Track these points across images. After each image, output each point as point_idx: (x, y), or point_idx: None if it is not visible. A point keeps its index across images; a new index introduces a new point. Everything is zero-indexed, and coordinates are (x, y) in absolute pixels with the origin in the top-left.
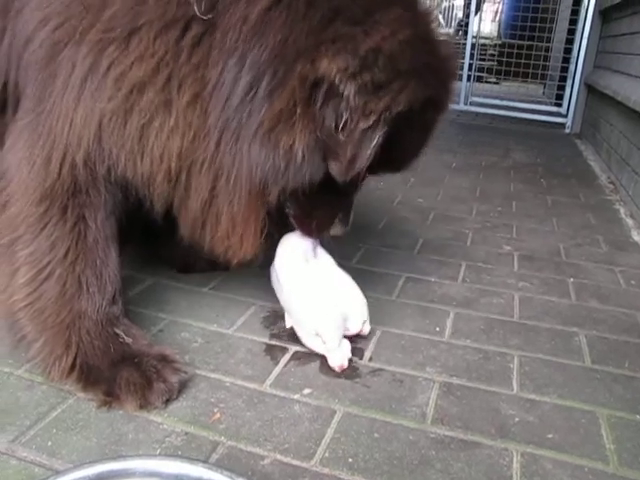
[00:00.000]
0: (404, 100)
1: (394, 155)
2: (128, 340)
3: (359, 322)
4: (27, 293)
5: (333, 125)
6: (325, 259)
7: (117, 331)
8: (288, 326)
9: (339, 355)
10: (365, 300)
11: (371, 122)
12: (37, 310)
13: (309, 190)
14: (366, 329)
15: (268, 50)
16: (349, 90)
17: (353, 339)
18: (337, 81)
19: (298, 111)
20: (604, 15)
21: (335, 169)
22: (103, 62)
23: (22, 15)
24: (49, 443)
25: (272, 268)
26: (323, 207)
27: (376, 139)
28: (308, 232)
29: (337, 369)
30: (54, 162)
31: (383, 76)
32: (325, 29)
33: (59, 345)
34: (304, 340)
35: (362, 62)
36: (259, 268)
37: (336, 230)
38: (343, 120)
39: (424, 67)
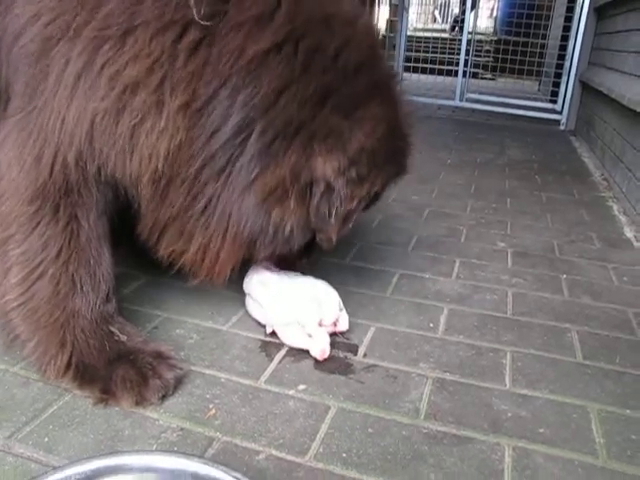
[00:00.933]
0: (380, 183)
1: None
2: (123, 338)
3: (333, 311)
4: (20, 293)
5: (327, 213)
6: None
7: (112, 329)
8: (269, 332)
9: (320, 342)
10: (335, 294)
11: (354, 205)
12: (30, 310)
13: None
14: (343, 323)
15: (261, 96)
16: (340, 184)
17: (347, 336)
18: (332, 180)
19: (292, 200)
20: (599, 12)
21: (324, 241)
22: (98, 60)
23: (12, 10)
24: (45, 439)
25: (247, 297)
26: (291, 251)
27: (357, 215)
28: (277, 265)
29: (319, 357)
30: (45, 161)
31: (365, 169)
32: (316, 109)
33: (53, 344)
34: (288, 339)
35: (351, 161)
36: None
37: (301, 264)
38: (334, 208)
39: (394, 154)
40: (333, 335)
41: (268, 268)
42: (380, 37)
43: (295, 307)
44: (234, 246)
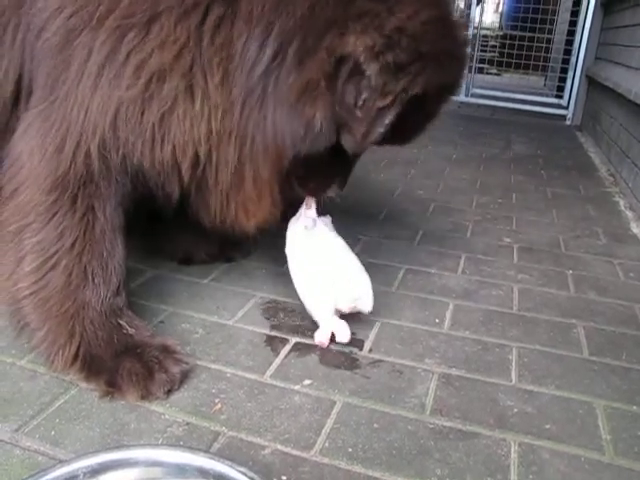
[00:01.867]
0: (421, 83)
1: (401, 132)
2: (131, 331)
3: (346, 303)
4: (32, 281)
5: (352, 102)
6: (326, 233)
7: (120, 322)
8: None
9: (322, 331)
10: (366, 277)
11: (388, 102)
12: (41, 299)
13: (318, 155)
14: (365, 306)
15: (296, 18)
16: (372, 69)
17: (352, 331)
18: (362, 59)
19: (322, 84)
20: (605, 7)
21: (348, 142)
22: (122, 49)
23: (35, 4)
24: (52, 433)
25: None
26: (324, 170)
27: (390, 118)
28: (308, 192)
29: (317, 343)
30: (67, 150)
31: (404, 57)
32: (352, 2)
33: (62, 334)
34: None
35: (387, 41)
36: (261, 261)
37: (332, 191)
38: (362, 98)
39: (442, 51)
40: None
41: (311, 222)
42: None
43: (313, 289)
44: (273, 164)
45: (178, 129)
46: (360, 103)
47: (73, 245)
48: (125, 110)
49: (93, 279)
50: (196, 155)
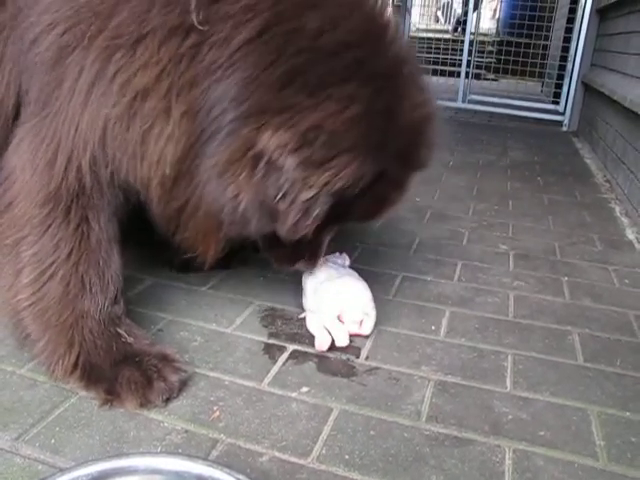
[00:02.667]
0: (347, 176)
1: (351, 215)
2: (130, 340)
3: (354, 311)
4: (31, 293)
5: (274, 195)
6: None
7: (119, 331)
8: (301, 316)
9: (322, 336)
10: (369, 298)
11: (311, 195)
12: (40, 310)
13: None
14: (366, 327)
15: (237, 87)
16: (288, 165)
17: (352, 338)
18: (276, 156)
19: (243, 173)
20: (601, 14)
21: (280, 230)
22: (110, 68)
23: (28, 18)
24: (52, 441)
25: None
26: (286, 245)
27: (318, 210)
28: (275, 261)
29: (317, 347)
30: (58, 165)
31: (322, 153)
32: (280, 90)
33: (62, 344)
34: (308, 324)
35: (302, 139)
36: (259, 268)
37: (300, 266)
38: (282, 192)
39: (375, 143)
40: (355, 336)
41: (330, 263)
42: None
43: (320, 297)
44: (210, 225)
45: (154, 148)
46: (281, 197)
47: (69, 255)
48: (112, 127)
49: (91, 288)
50: (164, 175)
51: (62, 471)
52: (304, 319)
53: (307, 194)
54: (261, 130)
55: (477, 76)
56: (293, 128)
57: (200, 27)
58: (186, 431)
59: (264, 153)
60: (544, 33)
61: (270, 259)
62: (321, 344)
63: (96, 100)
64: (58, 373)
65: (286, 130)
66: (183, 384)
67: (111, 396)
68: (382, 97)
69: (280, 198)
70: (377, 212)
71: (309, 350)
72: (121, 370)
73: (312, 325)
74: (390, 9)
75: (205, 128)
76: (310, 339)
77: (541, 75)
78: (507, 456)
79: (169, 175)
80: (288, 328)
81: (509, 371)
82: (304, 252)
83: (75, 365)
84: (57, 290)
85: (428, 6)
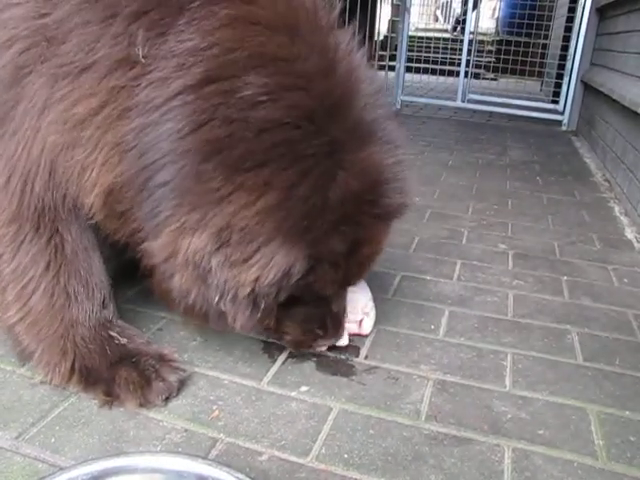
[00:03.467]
0: (277, 268)
1: (324, 286)
2: (123, 341)
3: (353, 316)
4: (18, 308)
5: (214, 297)
6: None
7: (111, 333)
8: None
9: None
10: (369, 298)
11: (248, 291)
12: (30, 323)
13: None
14: (365, 327)
15: (168, 142)
16: (214, 265)
17: (351, 337)
18: (198, 259)
19: (182, 272)
20: (600, 13)
21: (235, 326)
22: (57, 95)
23: None
24: (52, 440)
25: None
26: (293, 320)
27: (263, 302)
28: (291, 346)
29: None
30: (12, 187)
31: (241, 250)
32: (201, 162)
33: (56, 353)
34: None
35: (217, 239)
36: None
37: (319, 345)
38: (220, 292)
39: (300, 228)
40: (355, 335)
41: None
42: (372, 88)
43: None
44: (168, 294)
45: (90, 176)
46: (219, 298)
47: (47, 268)
48: (59, 153)
49: (76, 297)
50: (101, 202)
51: (62, 470)
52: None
53: (244, 291)
54: (182, 233)
55: (476, 75)
56: (207, 230)
57: (143, 61)
58: (186, 430)
59: (189, 258)
60: (543, 32)
61: (286, 344)
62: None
63: (45, 126)
64: (56, 380)
65: (201, 233)
66: (182, 384)
67: (110, 397)
68: (307, 179)
69: (220, 299)
70: (358, 273)
71: None
72: (118, 371)
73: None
74: (366, 68)
75: (138, 172)
76: None
77: (540, 74)
78: (506, 455)
79: (105, 204)
80: None
81: (508, 370)
82: (321, 327)
83: (72, 370)
84: (42, 303)
85: (427, 5)
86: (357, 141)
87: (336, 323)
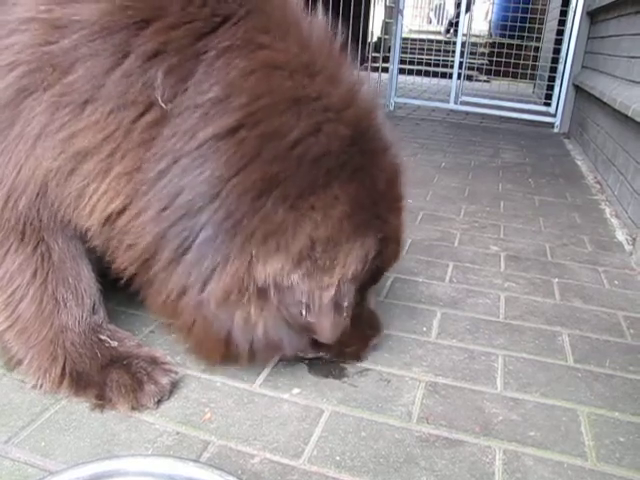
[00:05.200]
0: (356, 261)
1: (377, 276)
2: (114, 344)
3: None
4: (6, 316)
5: (299, 312)
6: None
7: (102, 337)
8: None
9: None
10: None
11: (333, 292)
12: (19, 331)
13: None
14: None
15: (206, 183)
16: (295, 280)
17: None
18: (279, 280)
19: (252, 305)
20: (592, 16)
21: (322, 338)
22: (55, 123)
23: None
24: (42, 444)
25: None
26: (349, 329)
27: (346, 300)
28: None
29: None
30: None
31: (325, 257)
32: (256, 199)
33: (45, 359)
34: None
35: (298, 256)
36: None
37: (375, 342)
38: (304, 305)
39: (368, 223)
40: None
41: None
42: (376, 120)
43: None
44: (210, 339)
45: (88, 201)
46: (307, 310)
47: (34, 275)
48: (52, 177)
49: (65, 303)
50: (101, 224)
51: (52, 474)
52: None
53: (328, 294)
54: (252, 264)
55: (469, 78)
56: (284, 252)
57: (164, 106)
58: (177, 433)
59: (267, 283)
60: (536, 35)
61: (349, 358)
62: None
63: (40, 152)
64: (47, 385)
65: (277, 255)
66: (174, 386)
67: (102, 401)
68: (364, 185)
69: (307, 312)
70: (394, 256)
71: None
72: (109, 374)
73: None
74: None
75: (162, 205)
76: None
77: (533, 77)
78: (497, 457)
79: (105, 229)
80: None
81: (499, 372)
82: (371, 327)
83: (62, 375)
84: (31, 309)
85: (421, 7)
86: (383, 148)
87: (378, 320)
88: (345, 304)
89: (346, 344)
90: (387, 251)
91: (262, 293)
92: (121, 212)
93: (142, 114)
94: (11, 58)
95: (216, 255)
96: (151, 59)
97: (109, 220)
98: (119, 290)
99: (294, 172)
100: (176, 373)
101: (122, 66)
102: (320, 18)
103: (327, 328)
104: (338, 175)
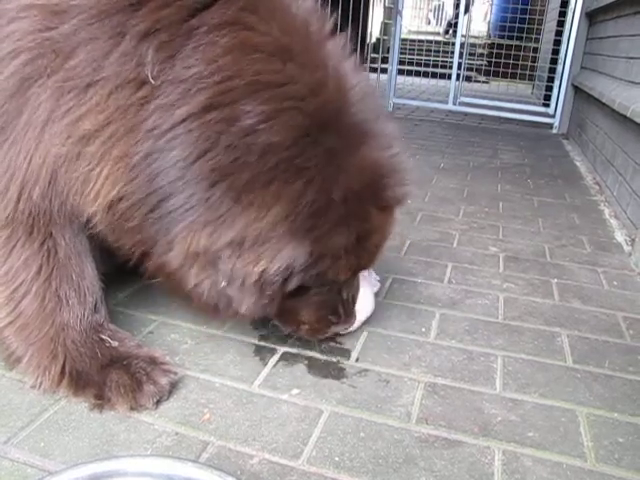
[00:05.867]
0: (281, 261)
1: (331, 274)
2: (114, 344)
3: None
4: (8, 312)
5: (222, 280)
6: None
7: (102, 337)
8: None
9: None
10: (364, 296)
11: (255, 279)
12: (20, 327)
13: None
14: (361, 314)
15: (176, 169)
16: (224, 256)
17: (339, 340)
18: (210, 250)
19: (195, 266)
20: (590, 17)
21: (241, 310)
22: (61, 108)
23: None
24: (42, 444)
25: None
26: (308, 310)
27: (269, 289)
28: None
29: None
30: (10, 194)
31: (253, 250)
32: (209, 188)
33: (45, 357)
34: None
35: (227, 243)
36: None
37: (333, 331)
38: (227, 278)
39: (304, 229)
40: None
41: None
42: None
43: None
44: (180, 293)
45: (93, 187)
46: (227, 283)
47: (39, 272)
48: (61, 165)
49: (67, 301)
50: (107, 210)
51: (52, 474)
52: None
53: (250, 279)
54: (194, 238)
55: (468, 78)
56: (221, 239)
57: (152, 82)
58: (176, 433)
59: (200, 250)
60: (534, 36)
61: (303, 334)
62: None
63: (48, 138)
64: (46, 384)
65: (214, 240)
66: (173, 386)
67: (101, 401)
68: (311, 187)
69: (228, 284)
70: (368, 260)
71: (300, 352)
72: (109, 374)
73: None
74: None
75: (147, 196)
76: (301, 341)
77: (531, 78)
78: (496, 457)
79: (108, 216)
80: (278, 330)
81: (498, 373)
82: (334, 314)
83: (62, 374)
84: (33, 306)
85: (420, 8)
86: (352, 145)
87: (347, 309)
88: (268, 293)
89: (305, 323)
90: (340, 262)
91: (197, 260)
92: (122, 198)
93: (135, 92)
94: (12, 46)
95: (174, 233)
96: (144, 38)
97: (112, 206)
98: (118, 290)
99: (242, 164)
100: (175, 373)
101: (119, 47)
102: (310, 3)
103: (245, 304)
104: (285, 170)
